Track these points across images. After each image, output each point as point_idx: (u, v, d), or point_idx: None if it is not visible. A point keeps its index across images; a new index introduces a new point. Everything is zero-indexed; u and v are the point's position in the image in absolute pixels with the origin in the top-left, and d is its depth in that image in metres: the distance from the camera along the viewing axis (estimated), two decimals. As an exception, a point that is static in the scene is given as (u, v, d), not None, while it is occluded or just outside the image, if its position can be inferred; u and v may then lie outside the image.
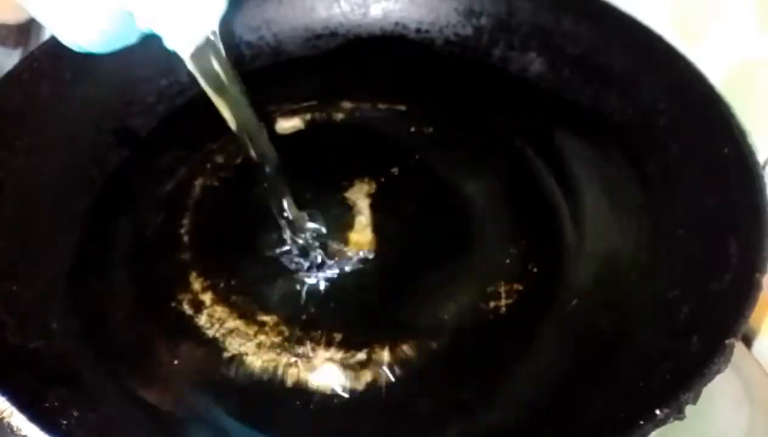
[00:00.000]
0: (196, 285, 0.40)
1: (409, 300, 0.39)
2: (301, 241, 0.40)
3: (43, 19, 0.31)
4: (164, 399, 0.36)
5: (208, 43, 0.31)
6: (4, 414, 0.30)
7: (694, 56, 0.43)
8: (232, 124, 0.35)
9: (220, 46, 0.32)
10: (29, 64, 0.43)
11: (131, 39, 0.32)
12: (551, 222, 0.42)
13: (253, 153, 0.36)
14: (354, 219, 0.42)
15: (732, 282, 0.34)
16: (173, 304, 0.39)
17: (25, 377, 0.33)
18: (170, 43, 0.31)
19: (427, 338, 0.37)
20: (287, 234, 0.40)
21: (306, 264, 0.40)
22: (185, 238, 0.42)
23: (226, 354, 0.37)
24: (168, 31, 0.30)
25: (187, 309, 0.39)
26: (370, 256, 0.40)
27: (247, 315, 0.38)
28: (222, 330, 0.38)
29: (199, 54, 0.31)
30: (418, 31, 0.52)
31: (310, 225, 0.40)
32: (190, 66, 0.32)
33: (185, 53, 0.31)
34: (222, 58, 0.33)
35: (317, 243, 0.40)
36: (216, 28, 0.31)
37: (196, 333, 0.38)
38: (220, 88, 0.33)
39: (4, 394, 0.30)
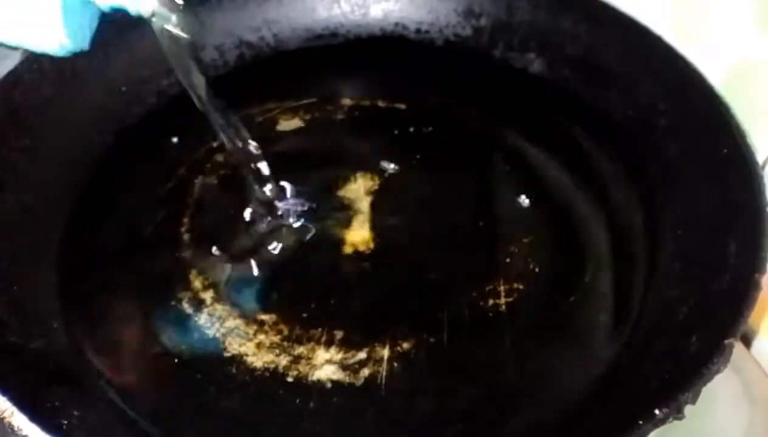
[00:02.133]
0: (197, 283, 0.40)
1: (408, 299, 0.39)
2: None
3: (9, 41, 0.32)
4: (164, 399, 0.36)
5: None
6: (5, 414, 0.30)
7: (693, 56, 0.43)
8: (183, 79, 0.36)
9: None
10: (29, 64, 0.43)
11: (94, 24, 0.34)
12: (551, 222, 0.42)
13: (196, 99, 0.37)
14: (353, 217, 0.42)
15: (731, 282, 0.34)
16: (173, 303, 0.39)
17: (26, 377, 0.33)
18: (133, 8, 0.32)
19: (427, 336, 0.37)
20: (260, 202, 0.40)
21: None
22: (185, 236, 0.42)
23: (226, 354, 0.37)
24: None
25: (187, 307, 0.39)
26: (370, 254, 0.41)
27: (246, 314, 0.38)
28: (222, 330, 0.38)
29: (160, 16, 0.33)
30: (418, 31, 0.52)
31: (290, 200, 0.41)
32: (156, 28, 0.33)
33: (147, 11, 0.32)
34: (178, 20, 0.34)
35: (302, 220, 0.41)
36: None
37: (196, 332, 0.38)
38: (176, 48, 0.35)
39: (4, 394, 0.30)
